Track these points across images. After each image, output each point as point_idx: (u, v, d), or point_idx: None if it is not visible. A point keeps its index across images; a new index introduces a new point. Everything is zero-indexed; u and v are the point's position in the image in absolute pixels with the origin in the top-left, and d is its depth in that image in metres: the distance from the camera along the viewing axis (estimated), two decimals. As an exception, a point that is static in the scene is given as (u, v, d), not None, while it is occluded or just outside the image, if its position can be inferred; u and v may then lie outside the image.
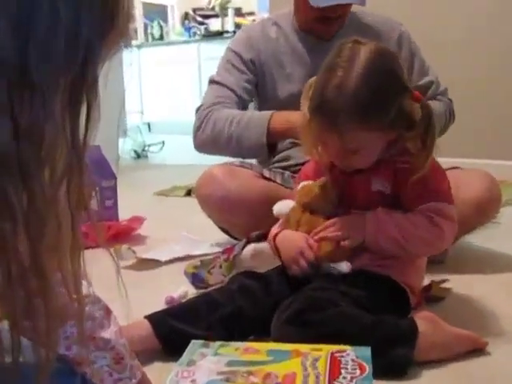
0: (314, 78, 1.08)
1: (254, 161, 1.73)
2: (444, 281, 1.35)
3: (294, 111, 1.33)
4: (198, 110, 1.66)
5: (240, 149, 1.56)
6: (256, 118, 1.54)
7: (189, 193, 2.74)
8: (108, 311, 0.70)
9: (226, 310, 1.07)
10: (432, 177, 1.07)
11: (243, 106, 1.66)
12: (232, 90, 1.65)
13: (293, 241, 1.13)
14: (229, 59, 1.70)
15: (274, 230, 1.18)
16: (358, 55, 1.01)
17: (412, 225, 1.06)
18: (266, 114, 1.54)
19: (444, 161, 1.15)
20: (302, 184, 1.18)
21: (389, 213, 1.08)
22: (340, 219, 1.10)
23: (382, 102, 1.01)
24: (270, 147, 1.54)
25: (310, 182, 1.17)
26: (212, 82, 1.71)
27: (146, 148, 4.46)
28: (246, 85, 1.67)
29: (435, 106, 1.64)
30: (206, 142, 1.61)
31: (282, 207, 1.19)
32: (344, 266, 1.08)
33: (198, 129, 1.61)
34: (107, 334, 0.68)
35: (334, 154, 1.08)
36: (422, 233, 1.06)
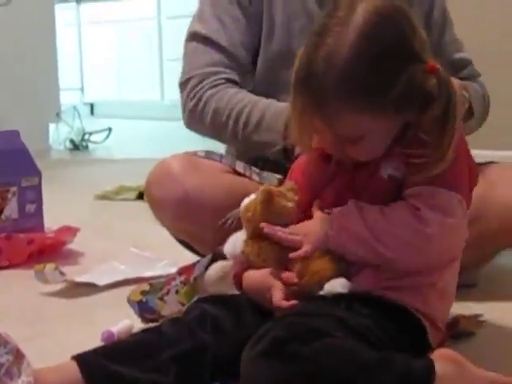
0: None
1: (223, 150, 1.73)
2: (477, 316, 1.35)
3: None
4: (183, 84, 1.64)
5: (249, 148, 1.60)
6: (268, 118, 1.52)
7: (141, 196, 2.73)
8: (19, 356, 0.70)
9: (182, 346, 1.07)
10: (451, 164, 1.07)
11: (243, 72, 1.62)
12: (227, 53, 1.60)
13: (258, 284, 1.13)
14: None
15: (231, 271, 1.20)
16: (355, 15, 1.03)
17: (385, 219, 1.06)
18: (281, 111, 1.47)
19: (476, 154, 1.16)
20: (244, 202, 1.16)
21: (363, 206, 1.08)
22: (301, 224, 1.13)
23: (383, 75, 1.02)
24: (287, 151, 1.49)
25: (253, 197, 1.14)
26: (195, 36, 1.64)
27: (87, 137, 4.46)
28: (244, 39, 1.61)
29: (474, 87, 1.66)
30: (203, 132, 1.65)
31: (235, 245, 1.18)
32: (337, 285, 1.08)
33: (191, 112, 1.62)
34: None
35: (327, 144, 1.09)
36: (397, 230, 1.06)
